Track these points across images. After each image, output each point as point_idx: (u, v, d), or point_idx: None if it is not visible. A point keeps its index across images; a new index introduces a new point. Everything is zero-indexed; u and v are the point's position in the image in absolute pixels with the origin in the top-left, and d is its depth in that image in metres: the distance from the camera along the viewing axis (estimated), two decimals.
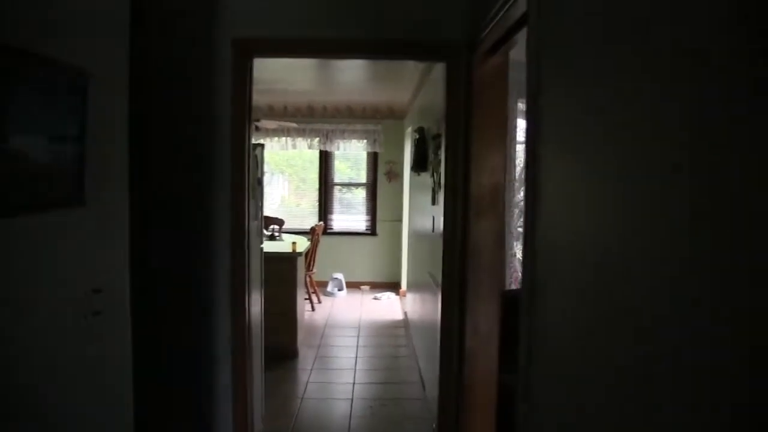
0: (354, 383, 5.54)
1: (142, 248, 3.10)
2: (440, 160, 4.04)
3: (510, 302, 3.12)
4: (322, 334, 7.21)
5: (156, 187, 3.35)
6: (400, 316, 8.16)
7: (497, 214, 2.97)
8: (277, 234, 8.56)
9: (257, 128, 8.22)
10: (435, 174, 4.35)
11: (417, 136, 5.47)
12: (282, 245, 6.72)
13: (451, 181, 3.23)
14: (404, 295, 9.09)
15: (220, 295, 3.42)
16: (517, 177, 4.53)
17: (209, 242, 3.39)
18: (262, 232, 4.57)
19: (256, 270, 4.10)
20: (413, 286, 7.19)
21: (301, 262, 6.37)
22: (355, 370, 5.92)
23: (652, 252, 1.26)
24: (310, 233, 8.38)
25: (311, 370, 5.94)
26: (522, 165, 4.97)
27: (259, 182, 4.25)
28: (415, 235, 6.95)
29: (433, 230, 4.64)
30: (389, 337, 7.11)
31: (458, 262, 3.22)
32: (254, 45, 3.40)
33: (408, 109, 8.71)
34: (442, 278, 3.33)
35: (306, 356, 6.34)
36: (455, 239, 3.21)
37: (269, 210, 10.16)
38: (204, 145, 3.36)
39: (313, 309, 8.39)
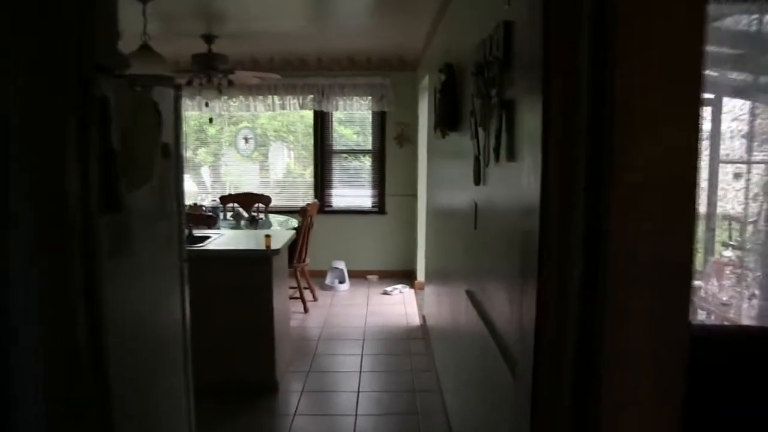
0: None
1: None
2: (495, 107, 2.23)
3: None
4: (314, 351, 5.44)
5: None
6: (416, 319, 6.39)
7: (684, 219, 1.17)
8: (260, 217, 6.78)
9: (230, 82, 6.40)
10: (485, 133, 2.52)
11: (442, 78, 3.62)
12: (254, 238, 4.91)
13: (562, 146, 1.38)
14: (421, 288, 7.34)
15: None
16: None
17: None
18: (182, 231, 2.76)
19: (164, 287, 2.33)
20: (435, 279, 5.42)
21: (280, 260, 4.58)
22: (356, 415, 4.16)
23: None
24: (301, 215, 6.58)
25: (294, 415, 4.18)
26: None
27: (166, 152, 2.37)
28: (438, 217, 5.15)
29: (476, 226, 2.83)
30: (404, 356, 5.33)
31: (575, 323, 1.39)
32: None
33: (423, 55, 6.83)
34: (537, 354, 1.49)
35: (289, 390, 4.58)
36: (571, 272, 1.38)
37: (272, 184, 8.37)
38: None
39: (305, 310, 6.63)
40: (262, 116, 8.42)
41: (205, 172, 8.53)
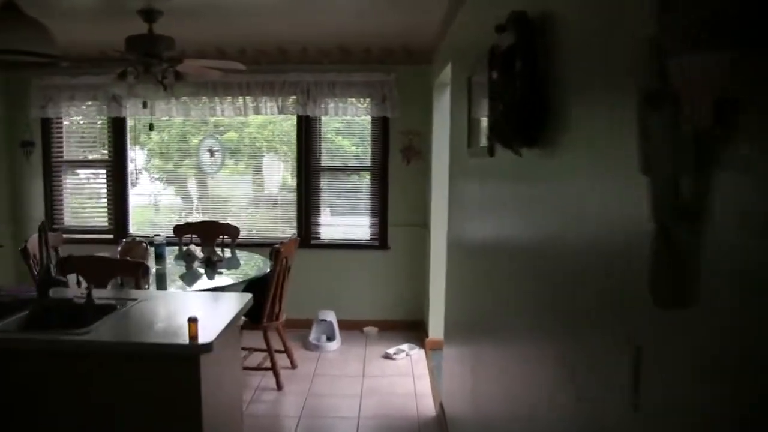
0: None
1: None
2: None
3: None
4: None
5: None
6: (430, 403, 4.64)
7: None
8: (219, 257, 5.05)
9: (177, 75, 4.68)
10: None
11: (509, 42, 1.86)
12: (191, 307, 3.12)
13: None
14: (434, 349, 5.61)
15: None
16: None
17: None
18: None
19: None
20: (462, 341, 3.73)
21: (212, 360, 2.79)
22: None
23: None
24: (272, 258, 4.80)
25: None
26: None
27: None
28: (468, 257, 3.45)
29: (639, 391, 1.08)
30: None
31: None
32: None
33: (441, 39, 5.08)
34: None
35: None
36: None
37: (264, 200, 6.62)
38: None
39: (279, 386, 4.86)
40: (252, 123, 6.65)
41: (192, 185, 6.75)
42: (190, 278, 4.75)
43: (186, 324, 2.63)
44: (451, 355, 4.18)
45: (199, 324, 2.62)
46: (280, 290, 4.88)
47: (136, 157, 6.73)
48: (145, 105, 4.85)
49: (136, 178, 6.73)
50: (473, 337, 3.21)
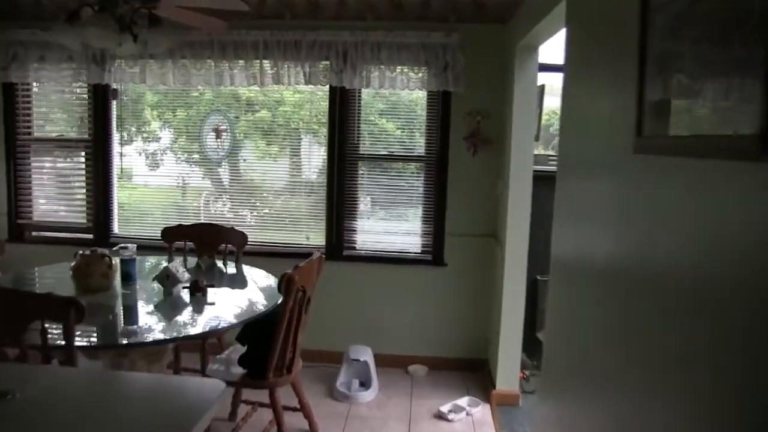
0: None
1: None
2: None
3: None
4: None
5: None
6: None
7: None
8: (207, 284, 3.65)
9: (153, 20, 3.25)
10: None
11: None
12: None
13: None
14: (504, 404, 4.18)
15: None
16: None
17: None
18: None
19: None
20: (581, 397, 2.25)
21: None
22: None
23: None
24: (284, 288, 3.30)
25: None
26: None
27: None
28: (607, 287, 1.94)
29: None
30: None
31: None
32: None
33: None
34: None
35: None
36: None
37: (303, 186, 5.19)
38: None
39: None
40: (288, 102, 5.14)
41: (225, 166, 5.26)
42: (168, 310, 3.34)
43: None
44: (553, 421, 2.68)
45: None
46: (294, 333, 3.42)
47: (161, 136, 5.30)
48: (102, 60, 3.41)
49: (161, 160, 5.31)
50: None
